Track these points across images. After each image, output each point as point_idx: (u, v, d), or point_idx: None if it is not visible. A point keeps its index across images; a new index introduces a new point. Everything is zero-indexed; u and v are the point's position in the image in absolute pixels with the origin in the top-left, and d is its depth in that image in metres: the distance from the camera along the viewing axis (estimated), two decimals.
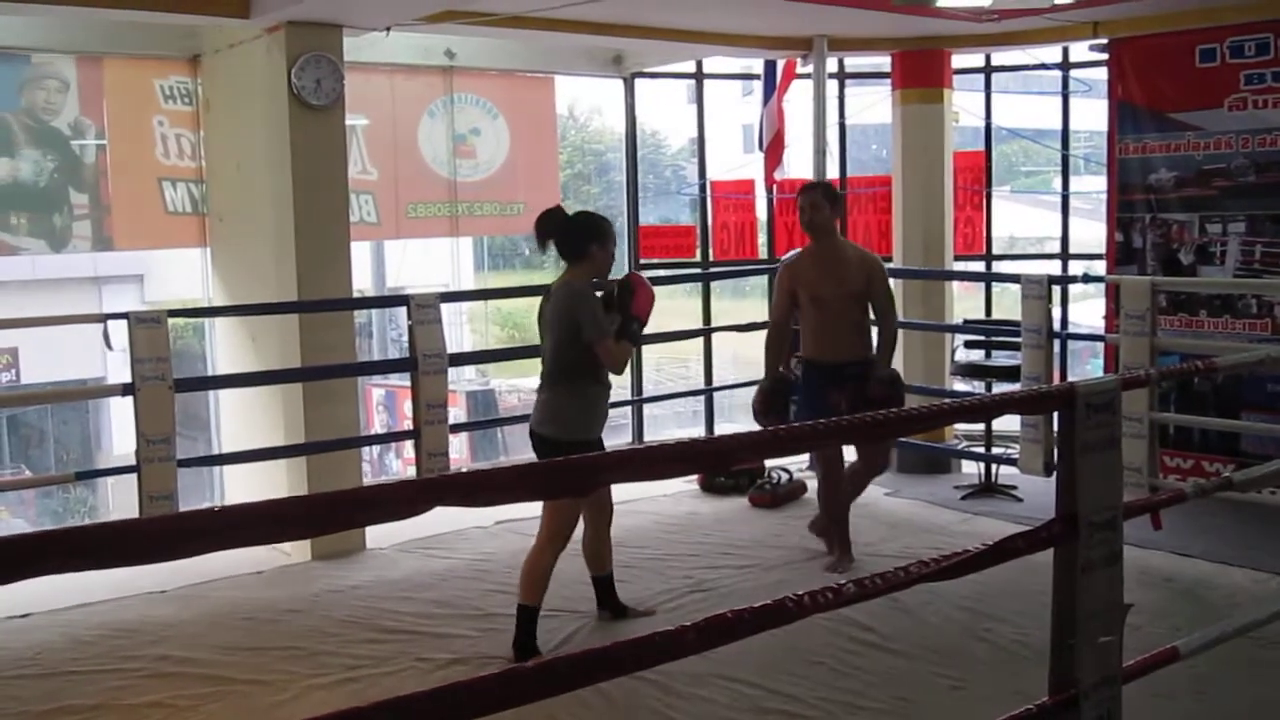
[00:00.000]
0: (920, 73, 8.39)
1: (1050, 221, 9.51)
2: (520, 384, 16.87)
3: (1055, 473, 6.69)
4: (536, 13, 6.96)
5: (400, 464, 10.11)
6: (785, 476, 7.63)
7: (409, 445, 10.00)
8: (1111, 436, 2.67)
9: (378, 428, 10.80)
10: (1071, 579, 2.63)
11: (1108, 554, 2.66)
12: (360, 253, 11.46)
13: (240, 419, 7.32)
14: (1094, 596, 2.65)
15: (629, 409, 9.27)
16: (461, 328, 14.92)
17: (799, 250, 6.28)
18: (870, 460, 6.19)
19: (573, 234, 5.04)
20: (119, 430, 12.56)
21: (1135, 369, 6.17)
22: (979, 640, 5.02)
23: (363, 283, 11.36)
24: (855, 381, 5.90)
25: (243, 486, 7.16)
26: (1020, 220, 15.60)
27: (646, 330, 5.24)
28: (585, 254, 5.01)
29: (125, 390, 5.65)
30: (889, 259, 8.81)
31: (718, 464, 5.47)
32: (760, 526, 7.01)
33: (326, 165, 6.49)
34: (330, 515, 1.83)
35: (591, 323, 4.92)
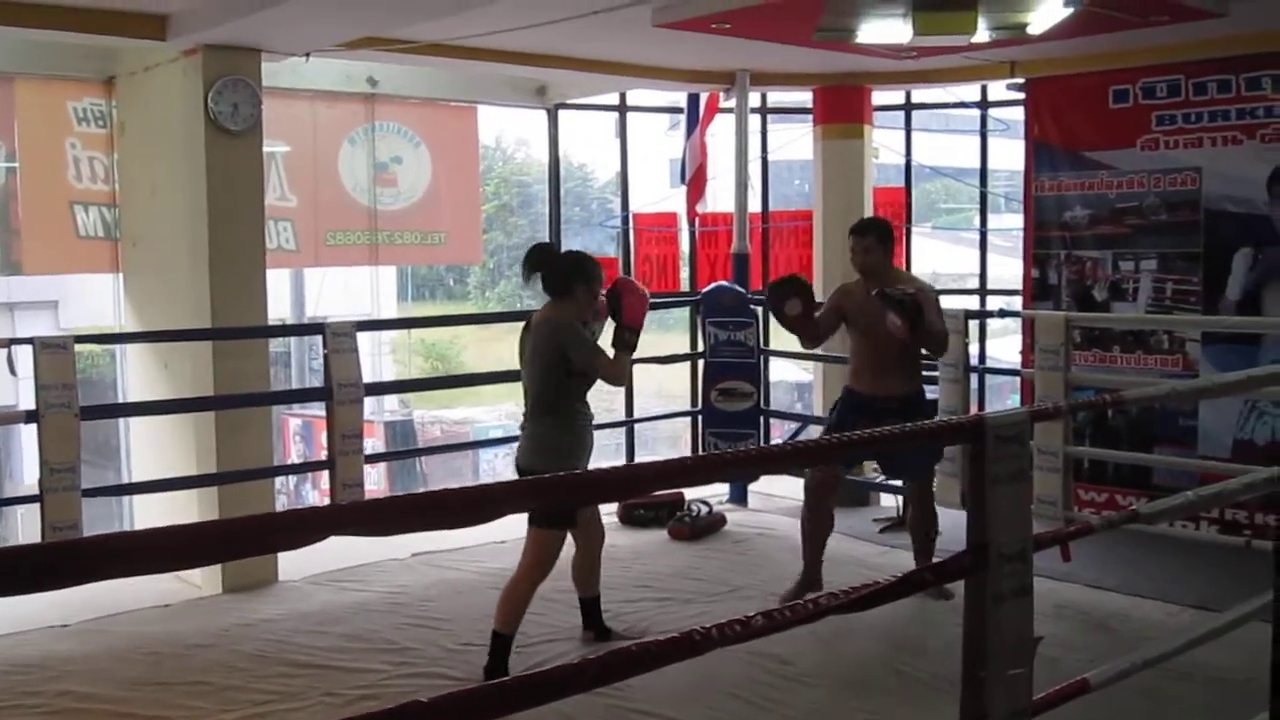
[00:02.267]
0: (841, 108, 8.47)
1: (971, 258, 9.64)
2: (443, 415, 16.75)
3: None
4: (459, 40, 6.93)
5: (317, 495, 9.95)
6: (705, 509, 7.59)
7: (325, 476, 9.92)
8: (1021, 469, 2.68)
9: (294, 458, 10.64)
10: (982, 611, 2.63)
11: (1018, 586, 2.66)
12: (279, 281, 11.32)
13: (151, 448, 7.16)
14: (1004, 629, 2.65)
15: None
16: (382, 358, 14.80)
17: (856, 281, 6.04)
18: (917, 500, 6.20)
19: (561, 271, 5.04)
20: (30, 458, 12.25)
21: (1048, 402, 6.24)
22: (895, 673, 5.02)
23: (281, 311, 11.22)
24: (892, 418, 5.40)
25: (154, 518, 6.99)
26: (942, 257, 15.85)
27: None
28: (570, 292, 5.02)
29: (29, 417, 5.50)
30: None
31: (632, 492, 5.42)
32: (679, 559, 6.97)
33: (243, 191, 6.39)
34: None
35: (581, 350, 4.94)
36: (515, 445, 5.30)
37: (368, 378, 6.52)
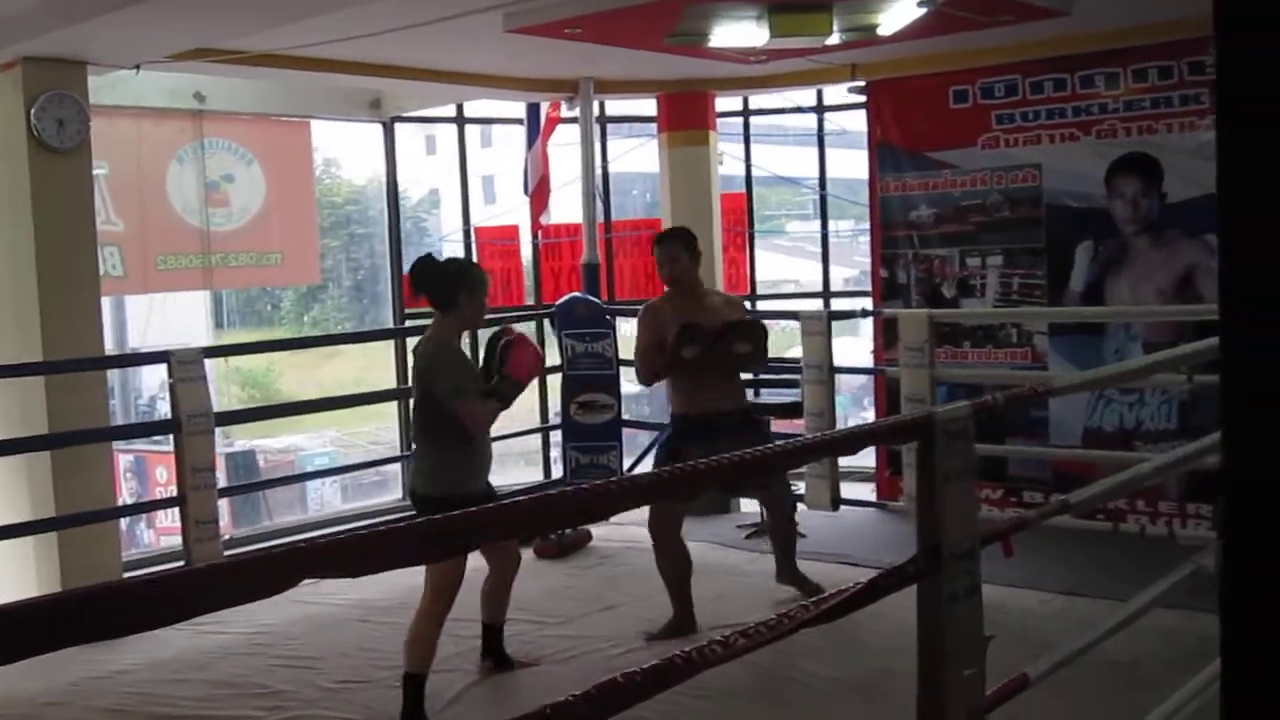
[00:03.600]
0: (685, 115, 8.45)
1: (785, 264, 9.76)
2: (266, 444, 16.12)
3: (839, 507, 6.73)
4: (291, 50, 6.64)
5: (153, 534, 9.43)
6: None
7: (162, 515, 9.41)
8: (966, 464, 2.63)
9: (126, 496, 10.06)
10: (937, 612, 2.56)
11: (969, 585, 2.61)
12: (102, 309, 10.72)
13: None
14: (959, 629, 2.59)
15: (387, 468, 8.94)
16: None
17: (660, 298, 5.73)
18: (774, 505, 5.95)
19: (439, 282, 4.74)
20: None
21: (916, 399, 6.31)
22: (792, 681, 4.95)
23: (106, 342, 10.62)
24: (731, 432, 5.33)
25: None
26: (759, 264, 16.07)
27: None
28: (454, 304, 4.72)
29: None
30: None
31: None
32: (549, 579, 6.78)
33: (72, 213, 5.99)
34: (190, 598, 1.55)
35: (444, 384, 4.65)
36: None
37: None
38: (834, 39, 6.11)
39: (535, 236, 9.31)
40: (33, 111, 5.80)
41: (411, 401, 4.93)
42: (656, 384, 5.82)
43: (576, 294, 7.99)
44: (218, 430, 12.91)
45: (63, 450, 5.93)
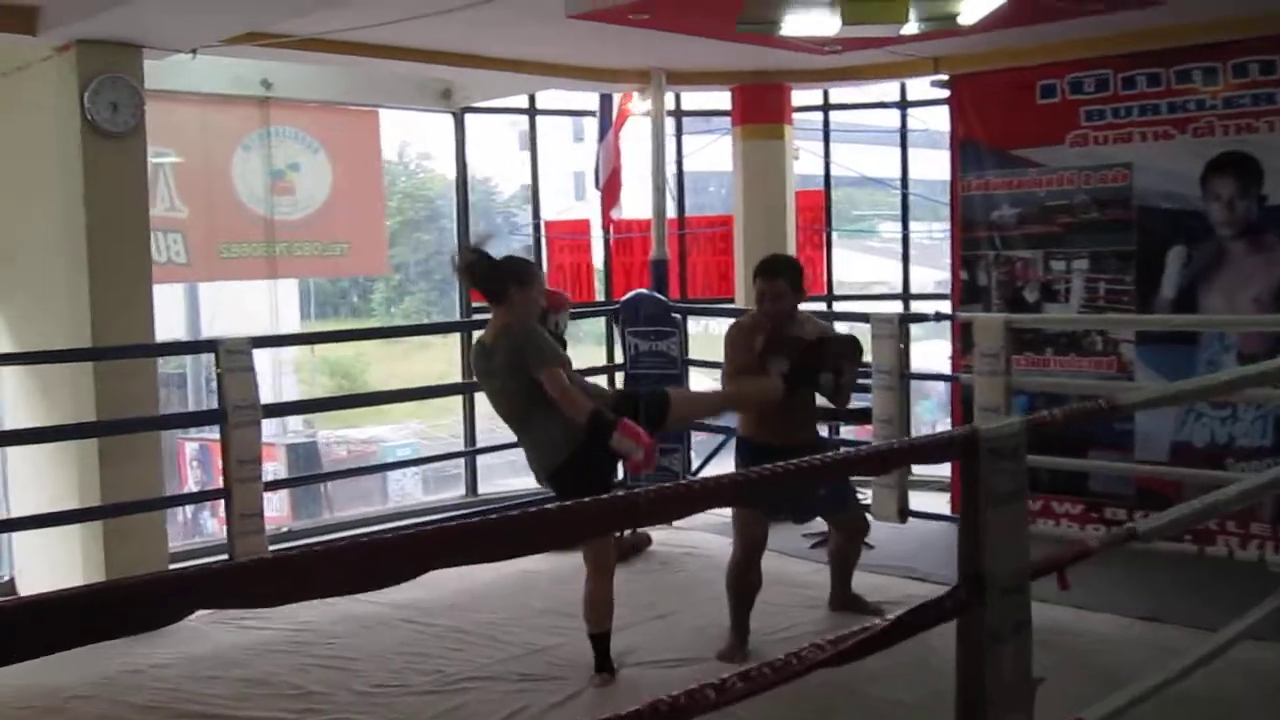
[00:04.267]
0: (760, 108, 8.17)
1: (875, 266, 9.44)
2: (349, 434, 16.13)
3: (908, 519, 6.45)
4: (357, 36, 6.49)
5: (216, 523, 9.38)
6: (628, 529, 7.20)
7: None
8: (1018, 487, 2.35)
9: (192, 485, 10.06)
10: (979, 651, 2.29)
11: (1017, 620, 2.33)
12: (171, 297, 10.75)
13: (31, 480, 6.58)
14: (1003, 669, 2.31)
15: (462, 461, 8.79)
16: (283, 378, 14.15)
17: (750, 317, 5.36)
18: (846, 529, 5.63)
19: (491, 276, 4.87)
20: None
21: (990, 409, 5.98)
22: (850, 694, 4.67)
23: (175, 331, 10.62)
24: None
25: (37, 555, 6.43)
26: (845, 265, 15.72)
27: None
28: (504, 296, 4.81)
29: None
30: (729, 300, 8.56)
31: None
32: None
33: (125, 198, 5.89)
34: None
35: (536, 354, 4.69)
36: (428, 465, 4.89)
37: (268, 398, 6.04)
38: (911, 28, 5.79)
39: (606, 232, 9.12)
40: (86, 95, 5.70)
41: (502, 390, 4.85)
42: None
43: (642, 290, 7.77)
44: (295, 419, 13.03)
45: (110, 439, 5.84)
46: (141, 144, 5.94)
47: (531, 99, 8.94)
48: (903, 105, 8.66)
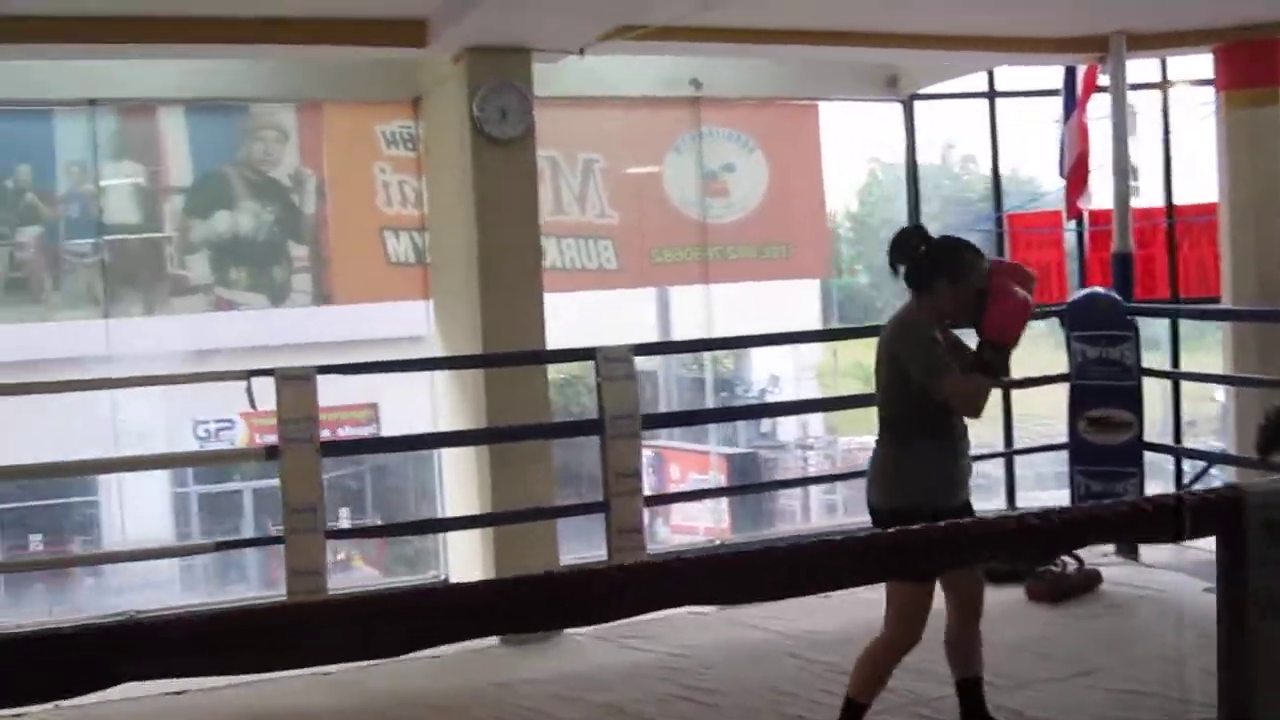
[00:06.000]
0: (1248, 70, 6.83)
1: None
2: (852, 441, 15.65)
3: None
4: (786, 24, 6.07)
5: (668, 531, 9.32)
6: (1074, 564, 6.23)
7: (676, 510, 9.28)
8: None
9: (648, 490, 10.06)
10: None
11: None
12: (644, 304, 10.84)
13: (460, 484, 6.73)
14: None
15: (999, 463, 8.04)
16: (802, 384, 13.93)
17: None
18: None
19: (920, 260, 4.00)
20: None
21: None
22: None
23: (648, 334, 10.65)
24: None
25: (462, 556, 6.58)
26: None
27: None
28: (929, 287, 3.97)
29: (269, 454, 5.17)
30: (1215, 299, 7.28)
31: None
32: (1031, 627, 5.70)
33: (513, 204, 5.84)
34: None
35: (922, 363, 3.90)
36: None
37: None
38: None
39: (1080, 224, 8.11)
40: (475, 102, 5.70)
41: (877, 390, 4.14)
42: None
43: (1098, 289, 6.74)
44: (817, 423, 12.65)
45: (500, 446, 5.81)
46: (531, 149, 5.88)
47: (990, 80, 8.12)
48: None
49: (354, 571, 10.05)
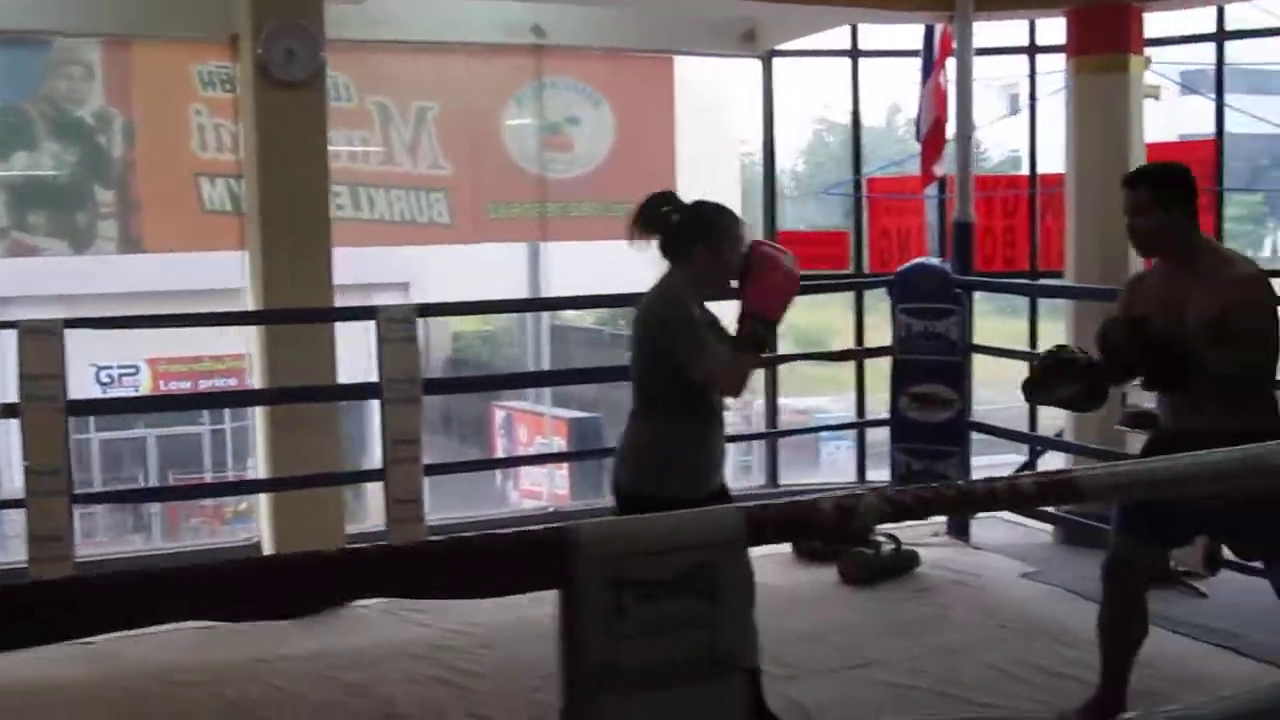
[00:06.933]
0: (1098, 36, 6.56)
1: None
2: (790, 403, 15.41)
3: (1219, 569, 4.88)
4: None
5: (517, 495, 9.05)
6: (891, 545, 6.00)
7: (524, 472, 9.00)
8: None
9: (500, 453, 9.79)
10: None
11: None
12: (515, 258, 10.54)
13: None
14: None
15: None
16: None
17: (1149, 269, 4.12)
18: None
19: (673, 228, 3.71)
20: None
21: None
22: None
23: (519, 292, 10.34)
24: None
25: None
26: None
27: None
28: (686, 255, 3.68)
29: (7, 412, 4.84)
30: (1059, 274, 7.09)
31: None
32: (832, 611, 5.47)
33: (299, 152, 5.49)
34: None
35: (682, 340, 3.61)
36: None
37: None
38: None
39: (940, 190, 7.89)
40: (260, 42, 5.35)
41: (630, 365, 3.82)
42: None
43: (926, 259, 6.50)
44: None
45: (281, 409, 5.51)
46: (320, 94, 5.51)
47: (854, 37, 7.84)
48: None
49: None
